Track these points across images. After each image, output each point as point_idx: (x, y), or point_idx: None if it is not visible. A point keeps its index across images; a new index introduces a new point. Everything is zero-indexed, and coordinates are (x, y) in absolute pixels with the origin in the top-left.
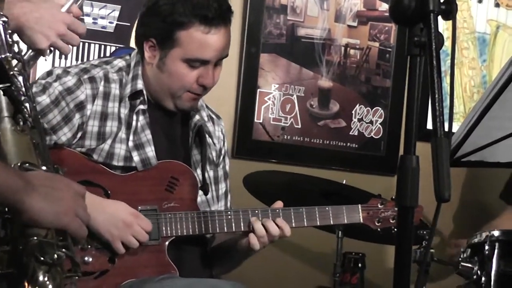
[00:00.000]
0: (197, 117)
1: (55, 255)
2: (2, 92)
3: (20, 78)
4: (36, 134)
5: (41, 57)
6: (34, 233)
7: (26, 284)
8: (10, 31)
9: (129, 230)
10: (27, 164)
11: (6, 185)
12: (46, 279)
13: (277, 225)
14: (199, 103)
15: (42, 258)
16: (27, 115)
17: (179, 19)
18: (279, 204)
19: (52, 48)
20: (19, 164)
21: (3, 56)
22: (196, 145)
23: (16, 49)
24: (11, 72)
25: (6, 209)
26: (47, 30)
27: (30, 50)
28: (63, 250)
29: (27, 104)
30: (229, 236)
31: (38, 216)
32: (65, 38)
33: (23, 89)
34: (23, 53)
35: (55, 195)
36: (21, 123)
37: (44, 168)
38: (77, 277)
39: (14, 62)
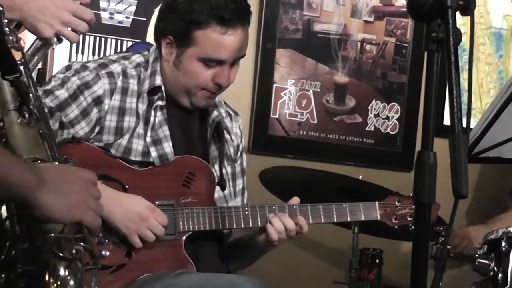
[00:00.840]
0: (215, 113)
1: (73, 250)
2: (6, 83)
3: (21, 68)
4: (42, 125)
5: (51, 46)
6: (50, 229)
7: (47, 279)
8: (6, 20)
9: (145, 223)
10: (39, 162)
11: (19, 182)
12: (67, 273)
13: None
14: (217, 99)
15: (60, 254)
16: (32, 106)
17: (197, 19)
18: (295, 200)
19: (61, 38)
20: (28, 159)
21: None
22: (214, 141)
23: (14, 38)
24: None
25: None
26: (50, 19)
27: (38, 40)
28: (81, 243)
29: (31, 95)
30: (246, 231)
31: (51, 211)
32: (71, 26)
33: (26, 79)
34: (32, 44)
35: (66, 188)
36: (27, 115)
37: (53, 159)
38: (96, 269)
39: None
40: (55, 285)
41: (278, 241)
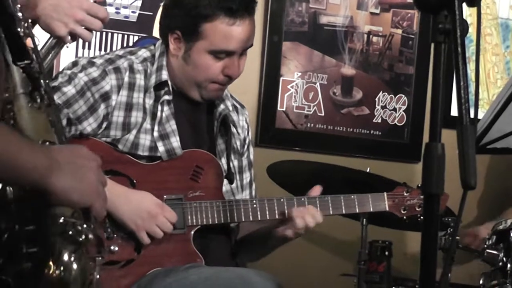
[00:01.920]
0: (222, 106)
1: (84, 235)
2: (15, 67)
3: (33, 55)
4: (52, 111)
5: (64, 45)
6: (60, 212)
7: (51, 263)
8: (19, 5)
9: (154, 220)
10: (47, 143)
11: (32, 165)
12: (72, 259)
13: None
14: (224, 92)
15: (70, 238)
16: (43, 92)
17: (204, 12)
18: (317, 189)
19: (74, 36)
20: (40, 142)
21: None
22: (221, 134)
23: (26, 24)
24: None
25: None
26: (64, 17)
27: (52, 38)
28: (90, 230)
29: (42, 81)
30: (256, 225)
31: (64, 195)
32: (85, 24)
33: (37, 65)
34: (46, 42)
35: (79, 172)
36: (38, 100)
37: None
38: (100, 258)
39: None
40: (60, 269)
41: (301, 230)
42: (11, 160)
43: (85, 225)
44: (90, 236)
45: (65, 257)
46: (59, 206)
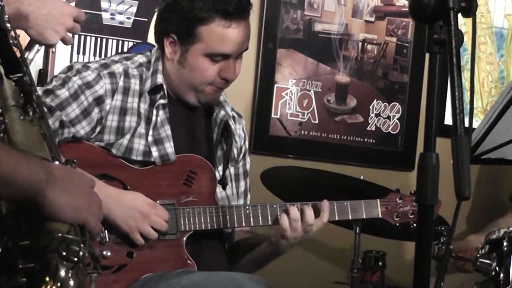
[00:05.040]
0: (222, 112)
1: (81, 253)
2: (7, 80)
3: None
4: (44, 124)
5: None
6: (55, 228)
7: (47, 279)
8: (7, 16)
9: (147, 220)
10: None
11: (29, 178)
12: (69, 275)
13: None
14: (223, 98)
15: (66, 255)
16: (35, 105)
17: (200, 15)
18: (325, 204)
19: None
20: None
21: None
22: (220, 140)
23: (14, 35)
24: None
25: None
26: (57, 26)
27: (38, 46)
28: (87, 247)
29: (33, 95)
30: (251, 234)
31: (59, 209)
32: (73, 31)
33: (27, 77)
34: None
35: (74, 189)
36: (31, 113)
37: (52, 160)
38: (96, 274)
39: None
40: (57, 285)
41: (292, 234)
42: (10, 174)
43: (81, 242)
44: (86, 252)
45: (62, 273)
46: (54, 221)
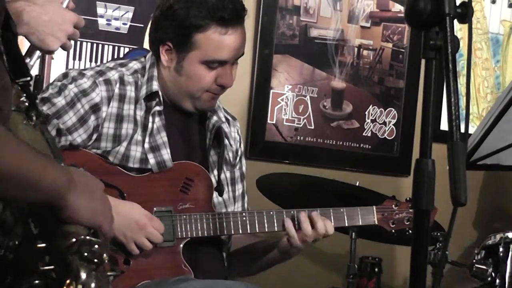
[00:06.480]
0: (214, 118)
1: (100, 254)
2: (12, 84)
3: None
4: (46, 130)
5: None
6: (75, 231)
7: (68, 282)
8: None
9: (143, 232)
10: None
11: (53, 182)
12: (90, 278)
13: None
14: (216, 103)
15: (88, 257)
16: (40, 109)
17: (196, 22)
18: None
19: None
20: None
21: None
22: (214, 146)
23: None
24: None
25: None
26: (58, 32)
27: (38, 52)
28: (106, 248)
29: (37, 99)
30: (253, 238)
31: (78, 213)
32: (73, 37)
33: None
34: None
35: (91, 193)
36: (34, 118)
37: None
38: (114, 275)
39: None
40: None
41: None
42: (36, 178)
43: (101, 244)
44: (106, 254)
45: (84, 275)
46: (70, 224)
